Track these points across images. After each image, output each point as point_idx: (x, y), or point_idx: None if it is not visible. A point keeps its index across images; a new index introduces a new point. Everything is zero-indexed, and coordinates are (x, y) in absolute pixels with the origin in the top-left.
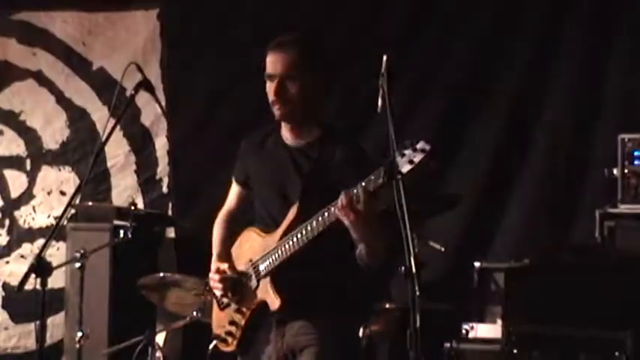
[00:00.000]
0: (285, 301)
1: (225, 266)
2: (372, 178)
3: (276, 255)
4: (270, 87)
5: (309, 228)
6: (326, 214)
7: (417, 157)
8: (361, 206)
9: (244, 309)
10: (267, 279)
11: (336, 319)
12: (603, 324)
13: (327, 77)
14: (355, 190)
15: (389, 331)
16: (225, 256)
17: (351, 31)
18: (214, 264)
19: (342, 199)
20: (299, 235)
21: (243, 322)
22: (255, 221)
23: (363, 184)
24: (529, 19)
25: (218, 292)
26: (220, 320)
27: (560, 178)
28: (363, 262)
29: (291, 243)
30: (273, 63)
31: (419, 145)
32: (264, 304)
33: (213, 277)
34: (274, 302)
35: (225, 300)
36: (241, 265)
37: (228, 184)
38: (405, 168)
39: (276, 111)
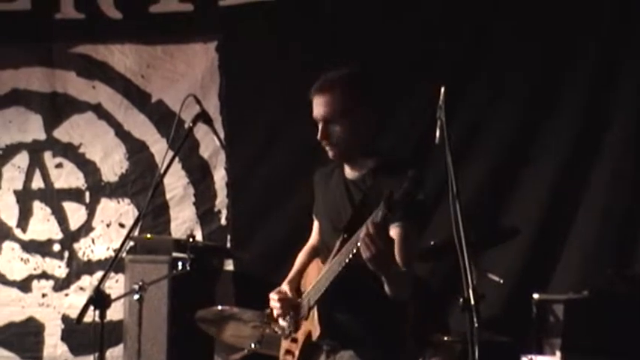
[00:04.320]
0: (324, 330)
1: (286, 288)
2: (377, 210)
3: (319, 286)
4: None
5: (339, 259)
6: (352, 244)
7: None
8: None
9: (298, 338)
10: (315, 309)
11: (385, 351)
12: None
13: (378, 110)
14: (369, 223)
15: None
16: (295, 283)
17: (407, 64)
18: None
19: (364, 229)
20: (333, 267)
21: (297, 352)
22: (321, 252)
23: (371, 217)
24: (585, 50)
25: (275, 312)
26: (282, 350)
27: (620, 209)
28: (389, 295)
29: (327, 274)
30: (316, 106)
31: (409, 173)
32: (310, 334)
33: (273, 297)
34: (316, 331)
35: (282, 323)
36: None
37: (286, 216)
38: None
39: (328, 152)
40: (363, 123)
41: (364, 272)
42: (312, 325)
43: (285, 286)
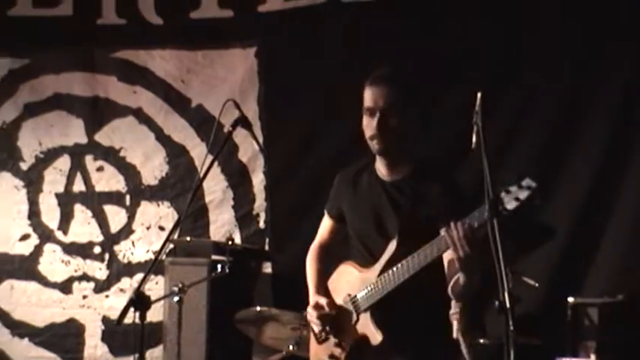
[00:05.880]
0: (386, 336)
1: (323, 301)
2: (477, 214)
3: (377, 289)
4: (370, 121)
5: (411, 262)
6: (432, 248)
7: (523, 195)
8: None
9: (344, 343)
10: (368, 313)
11: (439, 354)
12: None
13: (423, 112)
14: (465, 224)
15: None
16: (323, 290)
17: (444, 68)
18: (313, 298)
19: (460, 230)
20: (401, 270)
21: (343, 357)
22: (351, 256)
23: (468, 219)
24: (624, 53)
25: (316, 328)
26: (319, 354)
27: None
28: (457, 293)
29: (392, 277)
30: (373, 97)
31: (524, 183)
32: (364, 339)
33: (312, 313)
34: (375, 337)
35: (323, 334)
36: (339, 299)
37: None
38: (511, 205)
39: (375, 145)
40: (413, 121)
41: (426, 273)
42: (367, 331)
43: (321, 300)
